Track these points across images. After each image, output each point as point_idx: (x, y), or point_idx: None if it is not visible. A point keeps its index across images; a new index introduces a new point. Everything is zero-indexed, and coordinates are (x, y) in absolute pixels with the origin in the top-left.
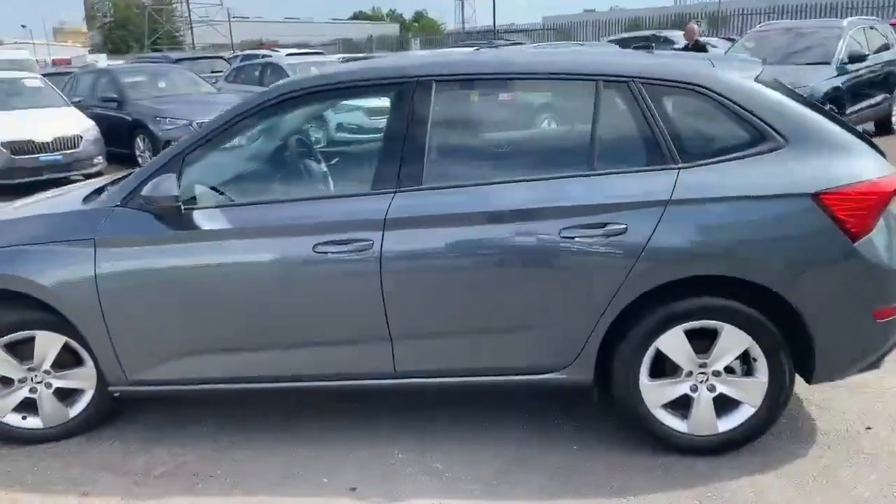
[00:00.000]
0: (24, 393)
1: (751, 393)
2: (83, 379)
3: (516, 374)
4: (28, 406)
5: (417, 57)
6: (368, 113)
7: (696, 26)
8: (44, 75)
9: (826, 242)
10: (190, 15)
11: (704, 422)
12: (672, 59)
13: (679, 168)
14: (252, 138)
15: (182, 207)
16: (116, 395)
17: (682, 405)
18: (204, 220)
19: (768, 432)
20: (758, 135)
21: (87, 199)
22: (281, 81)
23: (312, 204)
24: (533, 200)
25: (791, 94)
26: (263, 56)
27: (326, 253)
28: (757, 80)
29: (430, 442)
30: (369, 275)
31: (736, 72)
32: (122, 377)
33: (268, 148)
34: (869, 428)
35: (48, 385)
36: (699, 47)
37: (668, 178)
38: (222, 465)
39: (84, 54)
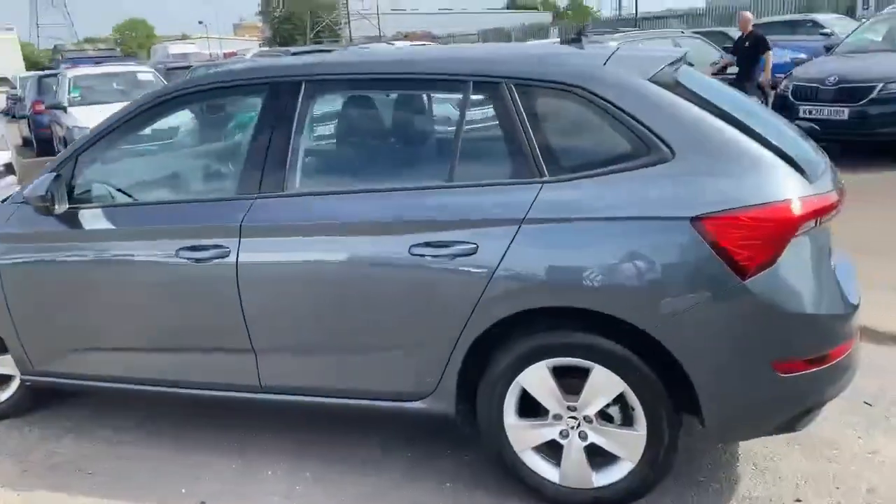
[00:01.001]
0: None
1: (627, 446)
2: (9, 366)
3: (378, 400)
4: None
5: (298, 58)
6: None
7: (749, 14)
8: (170, 69)
9: (707, 277)
10: (348, 8)
11: (576, 473)
12: (556, 56)
13: (542, 183)
14: (148, 139)
15: (53, 208)
16: (28, 383)
17: (558, 452)
18: (85, 219)
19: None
20: (642, 145)
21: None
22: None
23: (181, 207)
24: (384, 213)
25: (696, 98)
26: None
27: (188, 259)
28: (653, 78)
29: (302, 462)
30: (228, 283)
31: (630, 69)
32: (30, 366)
33: (156, 149)
34: (798, 501)
35: None
36: (755, 39)
37: (528, 195)
38: (106, 463)
39: (250, 48)
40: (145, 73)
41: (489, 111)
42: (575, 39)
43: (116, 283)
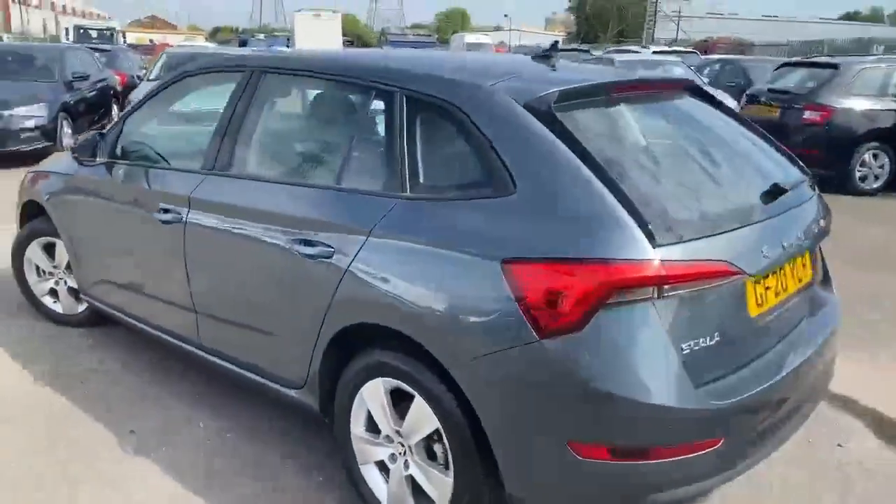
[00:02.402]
0: (51, 284)
1: (438, 488)
2: None
3: (269, 381)
4: (54, 293)
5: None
6: None
7: None
8: None
9: (506, 326)
10: (656, 7)
11: (398, 502)
12: (453, 69)
13: (399, 198)
14: (171, 110)
15: (92, 160)
16: (84, 300)
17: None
18: (112, 172)
19: None
20: (492, 175)
21: None
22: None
23: (162, 174)
24: (277, 204)
25: (573, 135)
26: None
27: (160, 219)
28: (535, 106)
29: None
30: (178, 246)
31: (519, 93)
32: (83, 286)
33: (169, 120)
34: None
35: (65, 282)
36: None
37: (382, 209)
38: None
39: (541, 42)
40: None
41: (381, 119)
42: (544, 56)
43: (119, 229)
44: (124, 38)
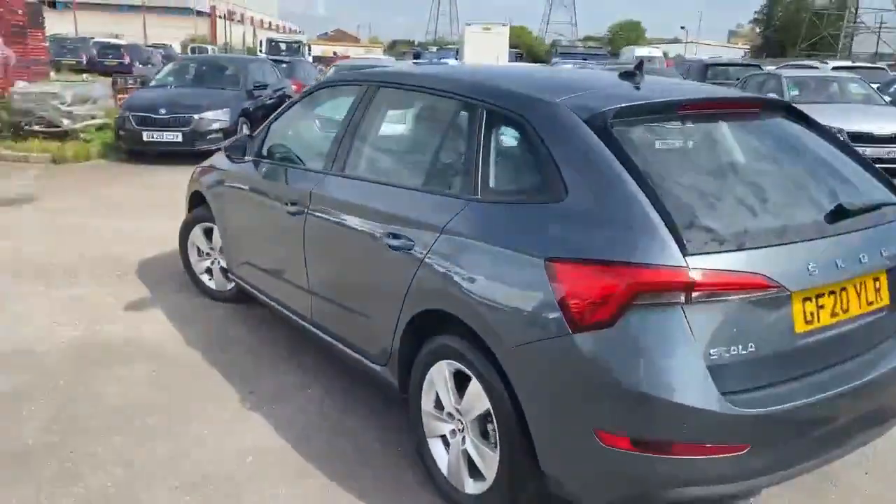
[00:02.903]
0: (207, 263)
1: (487, 464)
2: None
3: (362, 356)
4: (210, 272)
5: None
6: None
7: None
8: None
9: (546, 320)
10: (855, 18)
11: (455, 473)
12: (529, 84)
13: (470, 200)
14: (311, 116)
15: (240, 157)
16: (232, 280)
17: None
18: (256, 168)
19: None
20: (548, 181)
21: None
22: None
23: (296, 171)
24: (374, 201)
25: (625, 148)
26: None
27: (288, 211)
28: (594, 121)
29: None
30: (299, 235)
31: (580, 108)
32: (230, 266)
33: (304, 126)
34: None
35: (218, 262)
36: None
37: (455, 209)
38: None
39: (722, 55)
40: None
41: (466, 129)
42: (629, 74)
43: (258, 217)
44: (309, 50)
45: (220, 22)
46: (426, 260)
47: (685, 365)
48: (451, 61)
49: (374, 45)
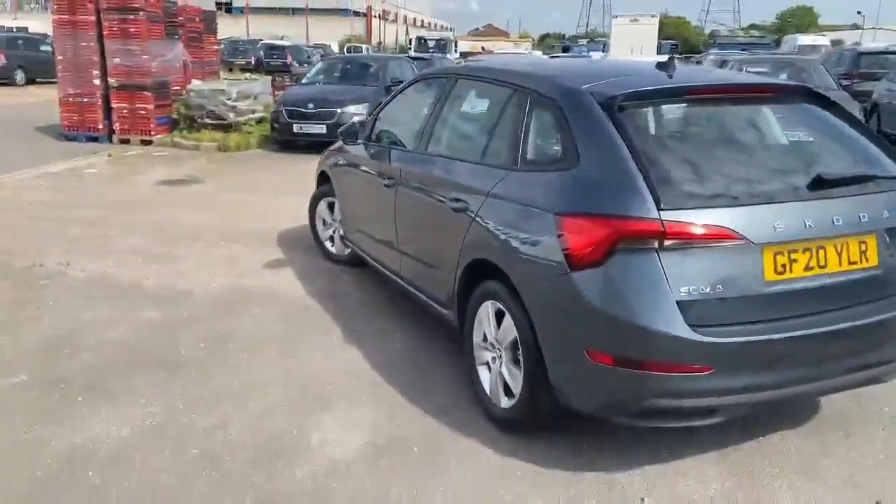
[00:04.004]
0: (330, 232)
1: (516, 382)
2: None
3: (433, 301)
4: (331, 239)
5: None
6: None
7: None
8: None
9: (553, 261)
10: None
11: (495, 392)
12: (565, 73)
13: (511, 170)
14: (409, 104)
15: (352, 141)
16: (347, 245)
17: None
18: (366, 149)
19: None
20: (567, 153)
21: None
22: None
23: (392, 151)
24: (443, 173)
25: (628, 125)
26: None
27: (384, 184)
28: (609, 103)
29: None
30: (391, 204)
31: (600, 94)
32: (346, 233)
33: (403, 112)
34: None
35: (338, 231)
36: None
37: (499, 177)
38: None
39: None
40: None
41: (517, 113)
42: (663, 64)
43: (365, 191)
44: (456, 46)
45: (375, 22)
46: (476, 218)
47: (657, 298)
48: (597, 54)
49: (523, 39)
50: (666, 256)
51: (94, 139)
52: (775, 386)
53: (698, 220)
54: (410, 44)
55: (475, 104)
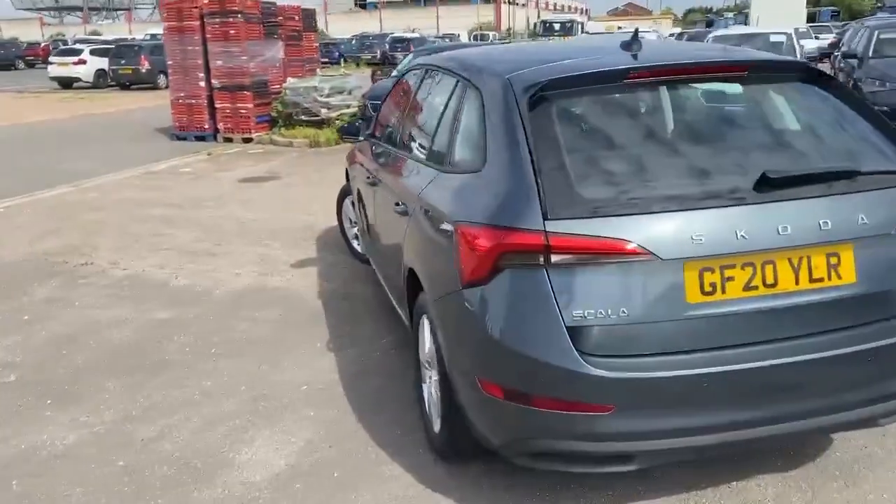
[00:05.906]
0: (355, 230)
1: (434, 406)
2: None
3: (401, 308)
4: (356, 237)
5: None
6: None
7: None
8: None
9: (449, 276)
10: None
11: (429, 415)
12: (499, 58)
13: (440, 171)
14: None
15: (357, 138)
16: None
17: None
18: (369, 144)
19: None
20: (479, 153)
21: None
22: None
23: (379, 147)
24: (397, 173)
25: (541, 119)
26: None
27: (369, 181)
28: (530, 93)
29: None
30: (372, 201)
31: (524, 80)
32: (359, 229)
33: (393, 108)
34: None
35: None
36: None
37: (427, 179)
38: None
39: None
40: (777, 36)
41: (454, 105)
42: (628, 44)
43: (364, 190)
44: (582, 27)
45: (505, 8)
46: (409, 223)
47: (544, 323)
48: (736, 28)
49: (664, 16)
50: (556, 274)
51: (202, 138)
52: (707, 430)
53: (590, 231)
54: (537, 28)
55: (432, 98)
